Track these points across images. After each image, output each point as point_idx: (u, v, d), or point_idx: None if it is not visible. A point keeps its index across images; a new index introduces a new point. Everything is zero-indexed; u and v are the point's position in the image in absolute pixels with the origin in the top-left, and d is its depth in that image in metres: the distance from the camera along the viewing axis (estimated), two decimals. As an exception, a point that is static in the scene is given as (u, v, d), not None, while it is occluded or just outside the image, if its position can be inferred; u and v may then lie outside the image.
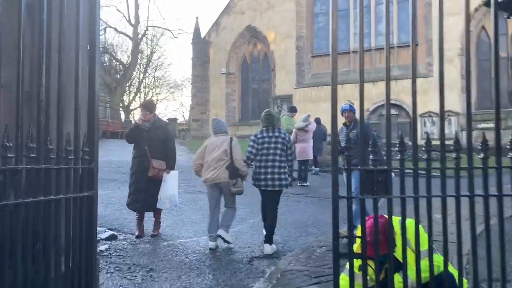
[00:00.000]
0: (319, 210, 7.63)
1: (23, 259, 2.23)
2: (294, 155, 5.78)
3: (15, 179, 2.13)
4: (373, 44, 24.54)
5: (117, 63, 37.98)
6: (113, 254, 4.90)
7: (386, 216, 2.69)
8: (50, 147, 2.33)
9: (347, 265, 2.74)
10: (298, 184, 10.27)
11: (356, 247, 2.68)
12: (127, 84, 38.07)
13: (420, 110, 21.85)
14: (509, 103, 20.84)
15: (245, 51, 28.59)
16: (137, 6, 36.59)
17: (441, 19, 2.70)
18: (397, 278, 2.70)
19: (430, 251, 2.56)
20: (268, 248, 5.13)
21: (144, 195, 5.67)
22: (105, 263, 4.57)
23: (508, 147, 2.59)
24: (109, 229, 5.93)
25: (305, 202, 8.37)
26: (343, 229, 5.39)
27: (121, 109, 38.04)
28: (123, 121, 34.53)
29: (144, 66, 38.45)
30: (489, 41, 20.29)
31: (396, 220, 2.73)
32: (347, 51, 25.59)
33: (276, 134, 5.36)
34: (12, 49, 2.19)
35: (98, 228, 3.11)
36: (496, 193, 2.59)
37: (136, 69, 37.70)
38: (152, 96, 39.99)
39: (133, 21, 36.72)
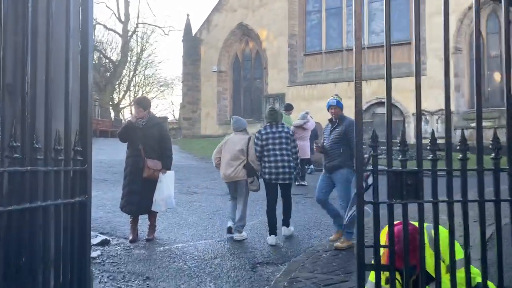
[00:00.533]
0: (320, 211, 7.30)
1: (4, 275, 1.92)
2: (297, 149, 5.76)
3: (-4, 183, 1.82)
4: (366, 42, 24.39)
5: (107, 61, 37.40)
6: (106, 261, 4.57)
7: (414, 223, 2.42)
8: (37, 146, 2.02)
9: (370, 277, 2.47)
10: (296, 184, 9.99)
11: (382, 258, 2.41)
12: (117, 82, 37.55)
13: (412, 109, 21.77)
14: (501, 101, 20.83)
15: (237, 49, 28.29)
16: (127, 3, 36.06)
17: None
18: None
19: (468, 262, 2.29)
20: (286, 231, 5.68)
21: (138, 197, 5.33)
22: (98, 271, 4.24)
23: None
24: (101, 233, 5.59)
25: (304, 203, 8.09)
26: (332, 236, 5.18)
27: (110, 107, 37.51)
28: (113, 119, 34.07)
29: (134, 64, 37.96)
30: (482, 40, 20.24)
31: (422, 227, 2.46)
32: (340, 49, 25.42)
33: (280, 129, 5.59)
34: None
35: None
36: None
37: (126, 67, 37.19)
38: (142, 95, 39.49)
39: (123, 18, 36.18)
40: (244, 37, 27.82)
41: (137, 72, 38.78)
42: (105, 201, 7.74)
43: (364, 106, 23.40)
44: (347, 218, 4.94)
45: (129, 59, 37.11)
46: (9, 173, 1.92)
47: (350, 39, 24.94)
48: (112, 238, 5.47)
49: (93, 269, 4.16)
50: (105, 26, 36.73)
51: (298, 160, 5.90)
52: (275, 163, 5.44)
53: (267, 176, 5.50)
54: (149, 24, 38.55)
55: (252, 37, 27.34)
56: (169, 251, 5.00)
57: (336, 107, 5.28)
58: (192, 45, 28.74)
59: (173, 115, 44.46)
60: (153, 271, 4.33)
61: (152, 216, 5.54)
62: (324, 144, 5.35)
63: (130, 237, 5.40)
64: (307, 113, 10.67)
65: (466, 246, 2.30)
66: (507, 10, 2.45)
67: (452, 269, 2.28)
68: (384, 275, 2.37)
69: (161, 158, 5.45)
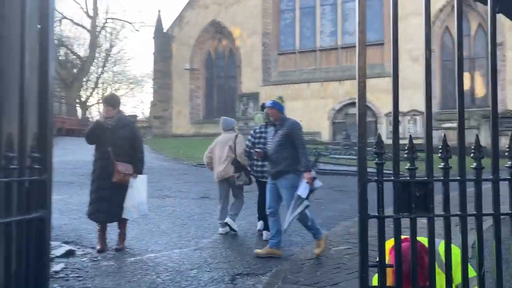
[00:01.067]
0: (299, 215, 7.09)
1: None
2: None
3: None
4: (339, 42, 24.46)
5: (74, 56, 36.17)
6: (71, 276, 4.13)
7: (420, 240, 2.17)
8: (-18, 154, 1.65)
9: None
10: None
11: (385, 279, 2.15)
12: (85, 79, 36.42)
13: (385, 110, 21.94)
14: (471, 103, 21.27)
15: (209, 46, 27.86)
16: (95, -3, 34.99)
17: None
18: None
19: (482, 282, 2.06)
20: (267, 235, 5.43)
21: (107, 204, 4.90)
22: (61, 288, 3.82)
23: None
24: (65, 242, 5.13)
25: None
26: (260, 249, 4.88)
27: (78, 105, 36.35)
28: (80, 117, 32.98)
29: (103, 60, 36.88)
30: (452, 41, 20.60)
31: (425, 241, 2.22)
32: (313, 49, 25.39)
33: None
34: None
35: (51, 243, 2.42)
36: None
37: (94, 63, 36.07)
38: (111, 92, 38.39)
39: (91, 13, 35.08)
40: (217, 34, 27.42)
41: (105, 68, 37.76)
42: (71, 205, 7.24)
43: (338, 106, 23.47)
44: (287, 223, 4.70)
45: (97, 55, 36.06)
46: None
47: (324, 38, 24.95)
48: (78, 248, 5.03)
49: (55, 286, 3.74)
50: (72, 21, 35.57)
51: None
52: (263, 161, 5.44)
53: (260, 175, 5.62)
54: (119, 20, 37.47)
55: (225, 34, 26.97)
56: (141, 262, 4.61)
57: (272, 108, 4.96)
58: (163, 42, 28.10)
59: (143, 113, 43.51)
60: (123, 285, 3.94)
61: (123, 224, 5.12)
62: (266, 148, 5.02)
63: (98, 247, 4.96)
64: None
65: (480, 266, 2.06)
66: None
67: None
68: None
69: (132, 161, 5.04)
